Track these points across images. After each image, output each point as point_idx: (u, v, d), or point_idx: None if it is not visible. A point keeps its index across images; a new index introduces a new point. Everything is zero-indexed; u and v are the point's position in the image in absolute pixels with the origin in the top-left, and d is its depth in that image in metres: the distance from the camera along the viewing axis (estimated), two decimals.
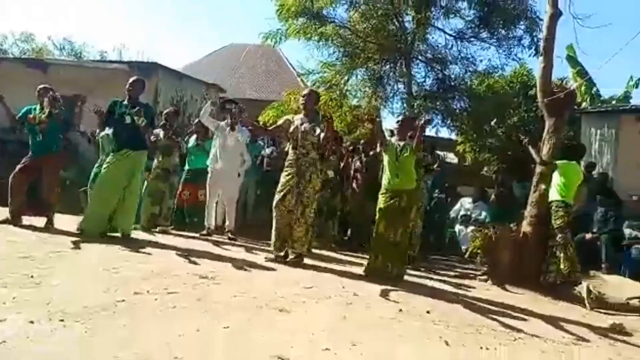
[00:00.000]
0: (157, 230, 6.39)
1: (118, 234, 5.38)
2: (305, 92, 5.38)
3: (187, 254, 4.85)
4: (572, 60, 11.14)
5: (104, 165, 5.48)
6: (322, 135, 4.98)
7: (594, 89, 11.40)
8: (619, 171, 7.97)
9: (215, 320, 2.91)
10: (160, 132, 6.60)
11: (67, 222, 5.80)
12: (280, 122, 5.38)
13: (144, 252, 4.74)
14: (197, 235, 6.36)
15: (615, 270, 6.33)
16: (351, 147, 7.78)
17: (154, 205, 6.51)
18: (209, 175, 6.56)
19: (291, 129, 5.09)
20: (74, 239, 4.92)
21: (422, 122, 4.94)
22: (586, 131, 9.45)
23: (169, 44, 52.45)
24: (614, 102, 10.52)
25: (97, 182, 5.57)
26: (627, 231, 6.67)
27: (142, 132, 5.39)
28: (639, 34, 4.04)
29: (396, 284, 4.51)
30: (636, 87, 9.52)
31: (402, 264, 4.90)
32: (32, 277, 3.37)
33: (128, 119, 5.30)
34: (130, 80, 5.56)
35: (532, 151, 5.63)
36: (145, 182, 6.49)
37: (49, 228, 5.40)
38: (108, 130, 5.96)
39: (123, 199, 5.33)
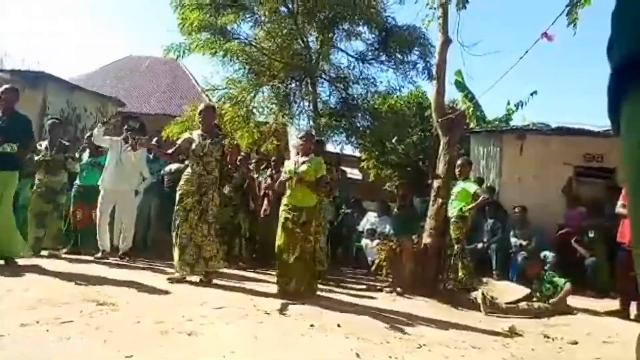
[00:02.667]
0: (45, 254, 5.80)
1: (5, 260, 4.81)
2: (201, 107, 5.24)
3: (81, 279, 4.45)
4: (460, 85, 12.13)
5: None
6: (227, 157, 4.92)
7: (479, 110, 12.49)
8: (503, 185, 8.75)
9: (116, 350, 2.68)
10: (43, 145, 6.03)
11: None
12: (179, 142, 5.17)
13: (30, 279, 4.27)
14: (91, 258, 5.89)
15: (504, 276, 6.91)
16: (258, 163, 7.74)
17: (38, 227, 5.90)
18: (101, 194, 6.13)
19: (193, 146, 4.93)
20: None
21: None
22: (474, 149, 10.29)
23: (58, 54, 48.75)
24: (497, 122, 11.57)
25: None
26: (513, 240, 7.32)
27: (23, 150, 4.89)
28: (515, 65, 4.49)
29: (307, 300, 4.51)
30: (516, 110, 10.57)
31: (308, 279, 4.88)
32: None
33: (7, 150, 4.76)
34: (1, 89, 5.01)
35: None
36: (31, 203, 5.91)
37: None
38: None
39: None
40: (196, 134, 5.04)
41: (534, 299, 5.18)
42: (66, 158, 6.15)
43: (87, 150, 6.63)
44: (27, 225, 5.87)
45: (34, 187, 6.02)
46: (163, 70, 19.49)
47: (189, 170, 5.00)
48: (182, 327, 3.24)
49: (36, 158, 5.93)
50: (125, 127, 6.31)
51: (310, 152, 4.99)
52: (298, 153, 5.37)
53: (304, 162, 4.89)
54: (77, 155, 6.68)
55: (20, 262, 5.03)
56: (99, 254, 6.03)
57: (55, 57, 48.17)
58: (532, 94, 8.42)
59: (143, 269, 5.61)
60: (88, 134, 6.91)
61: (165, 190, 7.38)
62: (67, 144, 6.31)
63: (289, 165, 5.07)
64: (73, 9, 50.63)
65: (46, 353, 2.57)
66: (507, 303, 5.08)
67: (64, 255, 5.96)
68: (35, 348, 2.61)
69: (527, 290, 5.33)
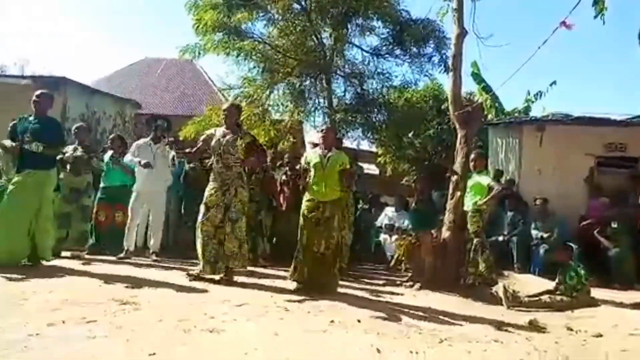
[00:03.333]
0: (68, 255, 5.93)
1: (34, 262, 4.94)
2: (226, 106, 5.29)
3: (105, 279, 4.54)
4: (477, 76, 11.98)
5: (9, 188, 4.99)
6: (252, 159, 4.96)
7: (497, 102, 12.31)
8: (523, 177, 8.63)
9: (139, 348, 2.73)
10: (70, 149, 6.17)
11: None
12: (201, 139, 5.23)
13: (56, 280, 4.37)
14: (114, 258, 5.99)
15: (526, 269, 6.82)
16: (273, 160, 7.76)
17: (60, 228, 6.01)
18: (134, 196, 6.24)
19: (213, 142, 4.98)
20: None
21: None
22: (493, 141, 10.16)
23: (77, 59, 49.62)
24: (516, 114, 11.40)
25: (3, 209, 4.92)
26: (534, 232, 7.22)
27: (50, 152, 4.99)
28: (534, 55, 4.40)
29: (327, 296, 4.52)
30: (535, 101, 10.39)
31: (331, 275, 4.89)
32: None
33: (33, 149, 4.88)
34: (36, 93, 5.13)
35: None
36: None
37: None
38: (5, 141, 5.44)
39: (38, 225, 4.88)
40: (219, 131, 5.09)
41: (558, 292, 5.09)
42: (90, 157, 6.26)
43: (110, 152, 6.72)
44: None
45: (60, 188, 6.14)
46: (179, 72, 19.69)
47: (213, 167, 5.05)
48: (204, 324, 3.28)
49: (59, 157, 6.06)
50: (154, 126, 6.44)
51: (332, 146, 5.00)
52: (314, 148, 5.38)
53: (330, 156, 4.89)
54: (100, 156, 6.81)
55: (47, 263, 5.14)
56: (122, 254, 6.13)
57: (74, 62, 49.07)
58: (551, 85, 8.25)
59: (165, 267, 5.68)
60: (111, 136, 7.02)
61: (187, 187, 7.46)
62: (89, 146, 6.46)
63: (310, 157, 5.05)
64: (90, 15, 51.46)
65: (72, 352, 2.63)
66: (529, 296, 5.02)
67: (86, 256, 6.08)
68: (62, 347, 2.67)
69: (550, 283, 5.26)
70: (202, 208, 4.93)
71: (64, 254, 5.92)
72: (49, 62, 49.25)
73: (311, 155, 5.06)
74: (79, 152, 6.16)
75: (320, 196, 4.85)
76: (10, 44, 46.46)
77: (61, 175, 6.11)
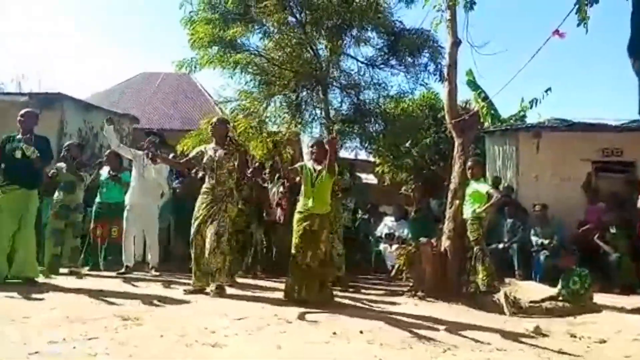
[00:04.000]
0: (65, 272, 5.90)
1: (19, 280, 4.90)
2: (213, 121, 5.34)
3: (104, 295, 4.51)
4: (473, 84, 12.04)
5: None
6: (246, 164, 4.97)
7: (493, 110, 12.37)
8: (521, 184, 8.65)
9: None
10: (62, 166, 6.18)
11: None
12: (192, 154, 5.27)
13: (55, 298, 4.34)
14: (113, 274, 5.97)
15: (527, 276, 6.81)
16: (271, 173, 7.78)
17: (55, 246, 6.02)
18: (127, 209, 6.23)
19: (205, 159, 5.01)
20: None
21: (330, 139, 4.92)
22: (490, 149, 10.20)
23: (72, 74, 49.71)
24: (512, 121, 11.45)
25: None
26: (534, 239, 7.22)
27: (36, 167, 4.99)
28: (528, 63, 4.45)
29: (326, 307, 4.50)
30: (530, 108, 10.45)
31: (322, 287, 4.86)
32: None
33: (18, 154, 4.90)
34: (21, 112, 5.14)
35: None
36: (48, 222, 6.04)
37: None
38: None
39: (17, 241, 4.88)
40: (210, 148, 5.12)
41: (560, 298, 5.08)
42: (78, 172, 6.25)
43: (106, 167, 6.71)
44: (47, 243, 5.99)
45: (52, 206, 6.14)
46: (176, 86, 19.73)
47: (205, 183, 5.08)
48: (205, 338, 3.26)
49: (55, 172, 6.05)
50: (147, 140, 6.46)
51: (323, 160, 5.00)
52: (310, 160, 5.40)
53: (320, 170, 4.90)
54: (95, 171, 6.81)
55: (45, 280, 5.12)
56: (122, 269, 6.11)
57: (70, 77, 49.17)
58: (546, 91, 8.30)
59: (164, 282, 5.66)
60: (107, 152, 7.04)
61: (178, 203, 7.47)
62: (84, 163, 6.47)
63: (304, 168, 5.07)
64: (86, 29, 51.67)
65: None
66: (531, 303, 5.01)
67: (85, 272, 6.04)
68: None
69: (552, 290, 5.25)
70: (193, 222, 4.96)
71: (61, 270, 5.91)
72: (45, 78, 49.22)
73: (305, 167, 5.08)
74: (71, 173, 6.16)
75: (311, 209, 4.88)
76: (6, 61, 46.59)
77: (56, 194, 6.12)
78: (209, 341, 3.21)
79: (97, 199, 6.57)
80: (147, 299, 4.45)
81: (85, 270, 6.16)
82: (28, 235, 5.00)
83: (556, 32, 4.03)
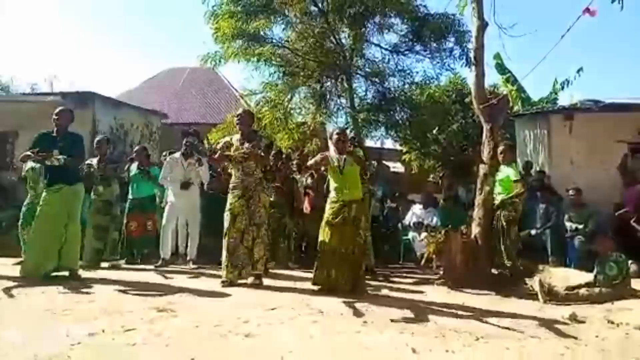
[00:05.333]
0: (106, 266, 6.10)
1: (63, 273, 5.08)
2: (238, 112, 5.33)
3: (141, 288, 4.65)
4: (501, 67, 11.76)
5: (40, 203, 5.17)
6: (271, 155, 5.00)
7: (523, 94, 12.06)
8: (553, 168, 8.43)
9: (179, 354, 2.79)
10: (94, 161, 6.36)
11: (4, 266, 5.43)
12: (219, 146, 5.30)
13: (94, 291, 4.49)
14: (149, 267, 6.13)
15: (561, 262, 6.66)
16: (299, 164, 7.79)
17: (98, 240, 6.21)
18: (169, 207, 6.41)
19: (232, 151, 5.06)
20: (15, 284, 4.60)
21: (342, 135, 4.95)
22: (520, 133, 9.98)
23: (103, 72, 50.89)
24: (542, 104, 11.15)
25: (34, 223, 5.19)
26: (568, 224, 7.04)
27: (72, 164, 5.14)
28: (558, 43, 4.30)
29: (357, 297, 4.52)
30: (562, 89, 10.13)
31: (360, 276, 4.87)
32: None
33: (55, 163, 5.03)
34: (57, 110, 5.28)
35: None
36: (88, 216, 6.22)
37: None
38: (33, 164, 5.69)
39: (65, 237, 5.04)
40: (235, 139, 5.16)
41: (596, 284, 4.95)
42: (115, 169, 6.48)
43: (136, 163, 6.88)
44: (87, 238, 6.19)
45: (92, 201, 6.33)
46: (202, 80, 19.96)
47: (233, 175, 5.12)
48: (239, 329, 3.33)
49: (87, 169, 6.22)
50: (185, 142, 6.62)
51: (346, 150, 4.97)
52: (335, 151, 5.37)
53: (345, 161, 4.89)
54: (125, 167, 7.01)
55: (84, 274, 5.30)
56: (159, 262, 6.27)
57: (100, 76, 50.34)
58: (578, 72, 8.03)
59: (197, 274, 5.78)
60: (136, 148, 7.20)
61: (208, 196, 7.57)
62: (114, 158, 6.66)
63: (332, 157, 5.04)
64: (112, 27, 52.69)
65: (115, 359, 2.71)
66: (566, 289, 4.90)
67: (123, 266, 6.22)
68: (105, 355, 2.75)
69: (588, 276, 5.12)
70: (226, 216, 5.01)
71: (102, 264, 6.12)
72: (76, 77, 50.60)
73: (331, 157, 5.05)
74: (103, 165, 6.33)
75: (345, 197, 4.86)
76: (38, 60, 47.99)
77: (96, 188, 6.31)
78: (242, 331, 3.27)
79: (129, 195, 6.74)
80: (182, 291, 4.56)
81: (122, 263, 6.34)
82: (74, 229, 5.17)
83: (587, 10, 3.89)
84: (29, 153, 5.07)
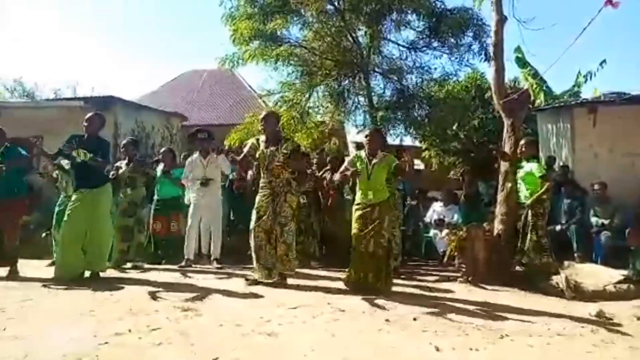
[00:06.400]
0: (129, 266, 6.21)
1: (88, 274, 5.20)
2: (263, 114, 5.32)
3: (165, 288, 4.72)
4: (521, 61, 11.57)
5: (69, 206, 5.29)
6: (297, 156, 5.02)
7: (545, 86, 11.84)
8: (577, 162, 8.27)
9: (203, 353, 2.83)
10: (122, 164, 6.47)
11: (34, 268, 5.59)
12: (246, 148, 5.33)
13: (119, 291, 4.58)
14: (174, 267, 6.21)
15: (587, 258, 6.53)
16: (319, 163, 7.81)
17: (123, 241, 6.32)
18: (192, 207, 6.49)
19: (258, 154, 5.09)
20: (44, 285, 4.72)
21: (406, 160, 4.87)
22: (542, 128, 9.80)
23: (122, 76, 51.72)
24: (565, 97, 10.94)
25: (62, 226, 5.30)
26: (593, 219, 6.91)
27: (99, 167, 5.23)
28: (580, 35, 4.23)
29: (379, 295, 4.51)
30: (585, 82, 9.92)
31: (383, 275, 4.82)
32: (4, 329, 3.21)
33: (78, 158, 5.10)
34: (87, 116, 5.37)
35: None
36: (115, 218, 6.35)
37: (14, 277, 5.15)
38: (64, 163, 5.79)
39: (91, 238, 5.14)
40: (261, 140, 5.18)
41: (625, 280, 4.84)
42: (145, 171, 6.58)
43: (161, 164, 6.97)
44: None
45: (119, 203, 6.45)
46: (221, 81, 20.13)
47: (262, 176, 5.15)
48: (261, 328, 3.35)
49: (115, 172, 6.33)
50: (197, 138, 6.69)
51: (378, 149, 4.91)
52: (358, 149, 5.35)
53: (375, 163, 4.84)
54: (152, 168, 7.13)
55: (109, 274, 5.41)
56: (183, 263, 6.35)
57: (121, 80, 51.23)
58: (601, 64, 7.87)
59: (221, 274, 5.83)
60: (162, 150, 7.30)
61: (235, 195, 7.63)
62: (141, 159, 6.76)
63: (356, 162, 5.00)
64: (132, 31, 53.51)
65: (142, 358, 2.76)
66: (593, 286, 4.81)
67: (146, 266, 6.33)
68: (131, 355, 2.80)
69: (615, 272, 5.01)
70: (253, 214, 5.05)
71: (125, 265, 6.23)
72: (97, 82, 51.62)
73: (356, 161, 5.00)
74: (131, 168, 6.43)
75: (368, 199, 4.84)
76: (61, 66, 49.03)
77: (122, 190, 6.43)
78: (265, 330, 3.30)
79: (155, 196, 6.84)
80: (206, 291, 4.60)
81: (145, 264, 6.43)
82: (102, 230, 5.26)
83: (609, 1, 3.81)
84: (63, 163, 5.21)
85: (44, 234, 7.04)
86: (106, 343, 2.95)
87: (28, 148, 5.94)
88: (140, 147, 10.65)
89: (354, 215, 4.91)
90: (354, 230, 4.86)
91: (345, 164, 5.16)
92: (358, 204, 4.92)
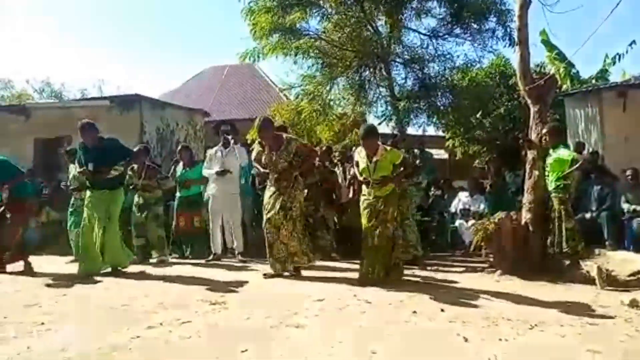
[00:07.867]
0: (154, 261, 6.35)
1: (109, 270, 5.40)
2: (257, 125, 5.15)
3: (193, 282, 4.80)
4: (547, 44, 11.30)
5: (85, 203, 5.52)
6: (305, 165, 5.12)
7: (573, 70, 11.53)
8: (607, 147, 8.05)
9: (232, 345, 2.87)
10: (134, 170, 6.55)
11: (59, 263, 5.77)
12: (253, 155, 5.37)
13: (148, 286, 4.68)
14: (201, 262, 6.31)
15: (618, 245, 6.37)
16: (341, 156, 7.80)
17: (137, 237, 6.50)
18: (210, 200, 6.57)
19: (263, 159, 5.15)
20: (76, 281, 4.87)
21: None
22: (570, 113, 9.57)
23: (147, 73, 52.55)
24: (593, 80, 10.65)
25: (81, 225, 5.55)
26: (625, 206, 6.72)
27: (101, 173, 5.36)
28: (609, 16, 4.08)
29: (400, 286, 4.49)
30: (614, 64, 9.63)
31: (391, 265, 4.84)
32: (42, 324, 3.33)
33: (91, 166, 5.34)
34: (78, 126, 5.43)
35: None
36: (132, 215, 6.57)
37: (31, 272, 5.43)
38: (74, 170, 6.07)
39: (104, 237, 5.29)
40: (266, 147, 5.17)
41: None
42: (158, 183, 6.69)
43: (181, 163, 7.07)
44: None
45: (133, 203, 6.61)
46: (243, 76, 20.26)
47: (270, 176, 5.20)
48: (289, 320, 3.39)
49: (130, 182, 6.46)
50: (221, 130, 6.76)
51: (376, 150, 4.83)
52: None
53: (375, 163, 4.81)
54: (171, 168, 7.24)
55: (135, 269, 5.57)
56: (210, 257, 6.46)
57: (145, 77, 52.03)
58: (630, 45, 7.63)
59: (245, 267, 5.91)
60: (179, 148, 7.40)
61: (257, 190, 7.68)
62: (155, 166, 6.88)
63: (358, 161, 5.03)
64: (153, 31, 54.20)
65: (172, 352, 2.83)
66: (626, 274, 4.68)
67: (172, 260, 6.45)
68: (162, 348, 2.87)
69: None
70: (264, 212, 5.14)
71: (151, 260, 6.37)
72: (123, 79, 52.63)
73: (359, 159, 5.02)
74: (144, 179, 6.56)
75: (374, 192, 4.85)
76: (87, 66, 50.17)
77: (136, 195, 6.60)
78: (292, 323, 3.33)
79: (177, 194, 6.96)
80: (233, 284, 4.69)
81: (169, 259, 6.56)
82: (114, 228, 5.44)
83: None
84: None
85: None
86: (138, 337, 3.03)
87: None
88: (166, 145, 10.87)
89: (362, 207, 4.94)
90: (363, 223, 4.90)
91: (355, 169, 5.21)
92: (364, 195, 4.96)
